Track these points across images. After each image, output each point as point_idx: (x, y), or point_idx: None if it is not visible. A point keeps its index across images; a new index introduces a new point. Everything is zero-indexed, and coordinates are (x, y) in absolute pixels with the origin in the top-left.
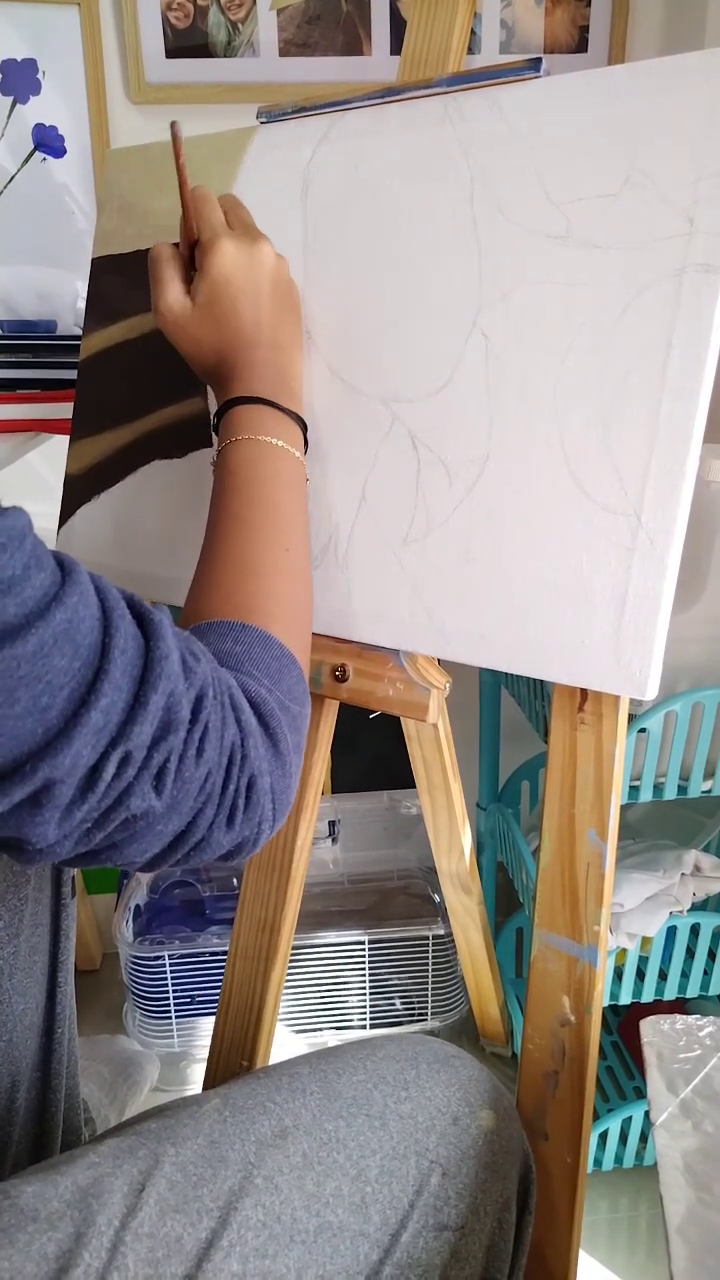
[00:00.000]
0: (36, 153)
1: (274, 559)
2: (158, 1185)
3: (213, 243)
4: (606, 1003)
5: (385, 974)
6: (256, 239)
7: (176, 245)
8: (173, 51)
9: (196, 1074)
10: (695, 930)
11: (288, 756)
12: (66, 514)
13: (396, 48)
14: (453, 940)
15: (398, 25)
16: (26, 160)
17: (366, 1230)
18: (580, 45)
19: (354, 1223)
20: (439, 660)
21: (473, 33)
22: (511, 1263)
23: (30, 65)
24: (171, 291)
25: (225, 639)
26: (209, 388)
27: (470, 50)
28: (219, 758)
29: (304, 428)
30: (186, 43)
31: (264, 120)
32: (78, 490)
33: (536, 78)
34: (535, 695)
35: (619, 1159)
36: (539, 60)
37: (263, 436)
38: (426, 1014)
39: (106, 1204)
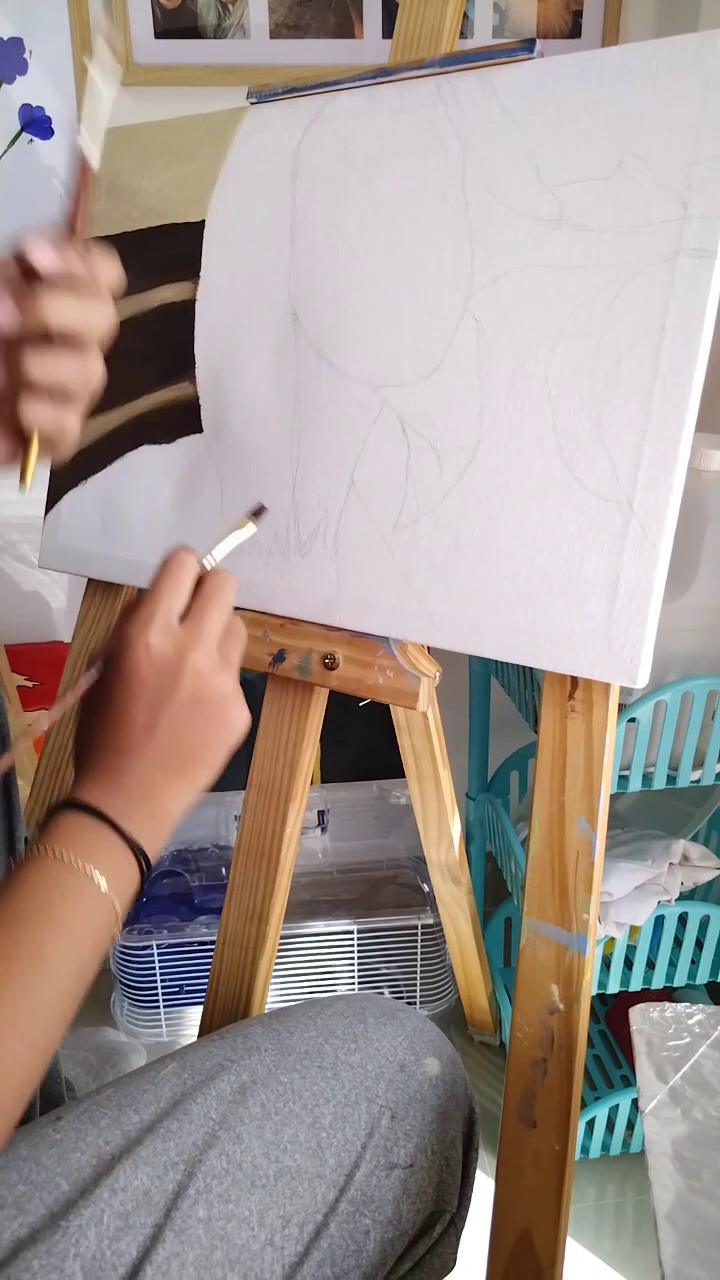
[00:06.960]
0: (24, 134)
1: (3, 1035)
2: (124, 1144)
3: (133, 638)
4: (595, 991)
5: (374, 963)
6: (189, 650)
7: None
8: (162, 32)
9: None
10: (683, 919)
11: None
12: (53, 500)
13: (388, 31)
14: (441, 929)
15: (390, 8)
16: (13, 142)
17: (323, 1172)
18: (574, 30)
19: (311, 1166)
20: (429, 648)
21: (465, 17)
22: (460, 1196)
23: (17, 44)
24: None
25: None
26: (194, 384)
27: (463, 34)
28: None
29: (147, 868)
30: (176, 24)
31: (254, 101)
32: (64, 476)
33: (530, 59)
34: (525, 684)
35: (606, 1146)
36: (533, 41)
37: (80, 862)
38: (415, 1003)
39: (73, 1172)
